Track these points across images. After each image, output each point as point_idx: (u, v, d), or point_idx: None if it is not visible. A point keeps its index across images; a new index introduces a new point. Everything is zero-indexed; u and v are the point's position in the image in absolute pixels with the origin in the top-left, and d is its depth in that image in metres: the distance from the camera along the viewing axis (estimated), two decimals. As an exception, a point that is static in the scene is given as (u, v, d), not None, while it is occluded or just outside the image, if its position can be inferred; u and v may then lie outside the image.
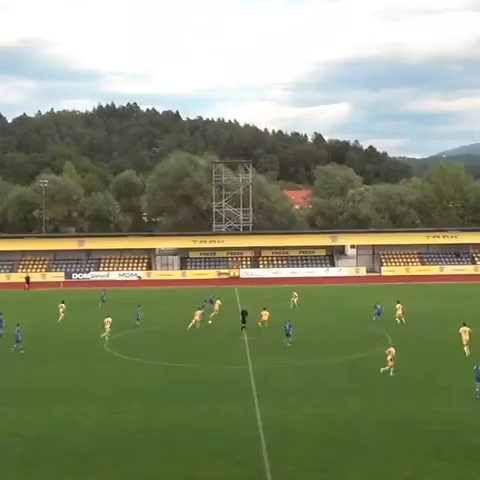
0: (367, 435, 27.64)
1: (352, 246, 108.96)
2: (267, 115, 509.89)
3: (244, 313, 51.83)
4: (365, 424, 28.98)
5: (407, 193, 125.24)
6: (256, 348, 45.03)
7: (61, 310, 56.44)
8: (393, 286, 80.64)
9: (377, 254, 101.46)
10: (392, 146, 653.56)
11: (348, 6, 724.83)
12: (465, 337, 42.18)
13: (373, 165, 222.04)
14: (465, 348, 41.92)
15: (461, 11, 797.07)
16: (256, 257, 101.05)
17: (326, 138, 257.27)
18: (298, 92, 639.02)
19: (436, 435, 27.47)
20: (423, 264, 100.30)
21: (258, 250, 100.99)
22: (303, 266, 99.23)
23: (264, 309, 52.37)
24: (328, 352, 43.93)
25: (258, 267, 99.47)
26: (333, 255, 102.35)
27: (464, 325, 42.93)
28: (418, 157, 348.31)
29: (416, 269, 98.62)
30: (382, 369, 37.43)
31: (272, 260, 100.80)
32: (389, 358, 37.30)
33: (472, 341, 41.65)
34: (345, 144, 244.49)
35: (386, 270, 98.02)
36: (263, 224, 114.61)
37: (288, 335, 45.74)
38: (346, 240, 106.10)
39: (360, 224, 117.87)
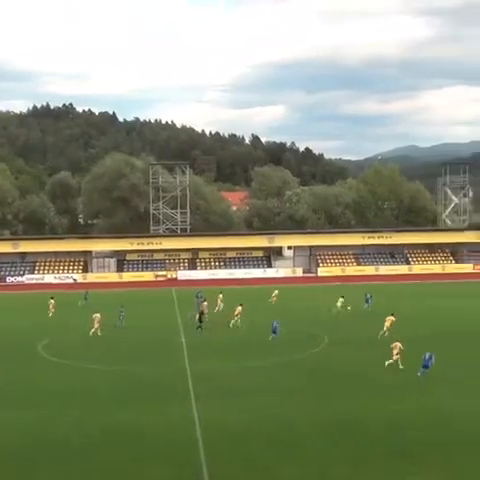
0: (307, 434, 27.87)
1: (289, 247, 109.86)
2: (204, 116, 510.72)
3: (201, 313, 52.17)
4: (305, 424, 29.22)
5: (343, 194, 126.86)
6: (194, 350, 45.04)
7: None
8: (329, 286, 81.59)
9: (314, 255, 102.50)
10: (328, 148, 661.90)
11: (286, 9, 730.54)
12: (386, 324, 47.49)
13: (310, 167, 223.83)
14: (382, 332, 47.11)
15: (397, 14, 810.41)
16: (193, 259, 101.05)
17: (263, 140, 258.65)
18: (235, 94, 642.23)
19: (376, 433, 27.85)
20: (359, 264, 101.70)
21: (195, 252, 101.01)
22: (240, 267, 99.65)
23: (240, 305, 53.15)
24: (267, 353, 44.14)
25: (195, 269, 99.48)
26: (270, 256, 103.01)
27: (392, 315, 48.30)
28: (354, 159, 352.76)
29: (352, 269, 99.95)
30: (387, 362, 38.49)
31: (209, 262, 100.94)
32: (395, 352, 38.56)
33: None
34: (282, 146, 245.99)
35: (322, 271, 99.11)
36: (200, 226, 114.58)
37: (274, 332, 47.31)
38: (283, 241, 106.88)
39: (297, 225, 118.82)
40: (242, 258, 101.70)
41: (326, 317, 57.37)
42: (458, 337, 48.03)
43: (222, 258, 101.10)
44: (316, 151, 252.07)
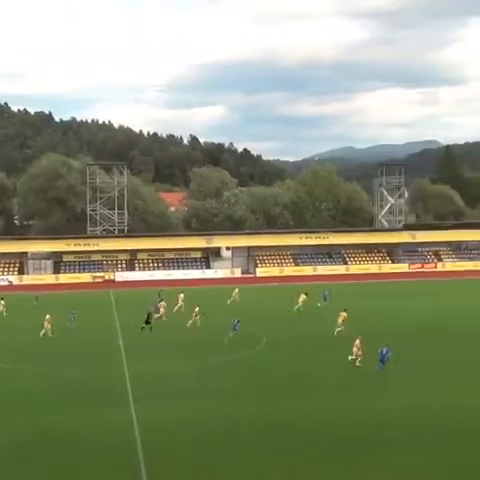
0: (246, 435, 28.00)
1: (227, 248, 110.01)
2: (142, 117, 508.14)
3: (149, 314, 52.23)
4: (244, 424, 29.35)
5: (281, 195, 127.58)
6: (132, 351, 44.82)
7: None
8: (267, 287, 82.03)
9: (252, 255, 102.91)
10: (266, 149, 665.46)
11: (223, 10, 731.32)
12: (338, 320, 49.27)
13: (248, 167, 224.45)
14: (337, 328, 48.71)
15: (332, 17, 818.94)
16: (131, 260, 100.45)
17: (201, 140, 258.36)
18: (173, 94, 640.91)
19: (312, 433, 28.09)
20: (297, 265, 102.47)
21: (133, 253, 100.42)
22: (179, 268, 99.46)
23: (197, 306, 53.52)
24: (209, 353, 44.19)
25: (134, 270, 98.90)
26: (209, 257, 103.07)
27: (344, 311, 49.95)
28: (292, 160, 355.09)
29: (290, 270, 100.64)
30: (350, 357, 39.37)
31: (148, 263, 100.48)
32: (355, 349, 39.33)
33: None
34: (220, 146, 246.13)
35: (261, 271, 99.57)
36: (138, 227, 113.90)
37: (235, 329, 48.35)
38: (221, 242, 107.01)
39: (235, 226, 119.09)
40: (180, 259, 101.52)
41: (271, 316, 57.80)
42: (396, 336, 48.79)
43: (160, 259, 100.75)
44: (254, 152, 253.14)
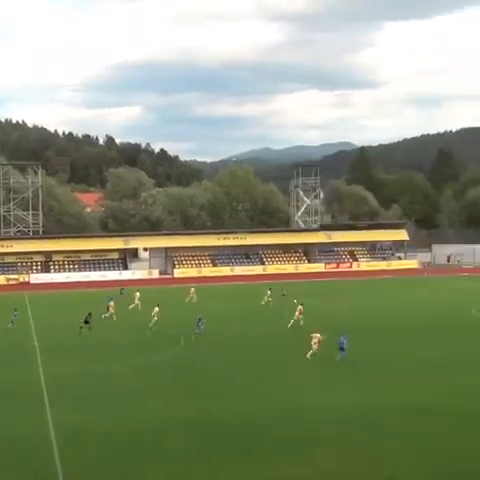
0: (166, 436, 27.80)
1: (145, 249, 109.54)
2: (57, 116, 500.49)
3: (89, 315, 51.99)
4: (164, 425, 29.19)
5: (198, 196, 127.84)
6: (49, 353, 44.12)
7: None
8: (186, 288, 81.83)
9: (170, 256, 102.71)
10: (184, 149, 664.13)
11: (143, 10, 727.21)
12: (296, 313, 51.28)
13: (165, 168, 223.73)
14: (294, 320, 50.77)
15: (251, 19, 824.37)
16: (47, 261, 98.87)
17: (118, 141, 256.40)
18: (89, 93, 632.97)
19: (237, 432, 28.17)
20: (215, 265, 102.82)
21: (49, 254, 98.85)
22: (96, 270, 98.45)
23: (157, 305, 53.43)
24: (125, 354, 43.88)
25: (49, 272, 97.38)
26: (126, 258, 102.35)
27: (301, 305, 52.02)
28: (209, 160, 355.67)
29: (208, 270, 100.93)
30: (309, 354, 39.77)
31: (63, 264, 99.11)
32: (313, 342, 39.73)
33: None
34: (137, 147, 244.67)
35: (178, 272, 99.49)
36: (53, 228, 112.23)
37: (199, 327, 49.31)
38: (139, 243, 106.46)
39: (153, 226, 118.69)
40: (97, 260, 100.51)
41: (190, 317, 57.76)
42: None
43: (76, 261, 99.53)
44: (171, 152, 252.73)
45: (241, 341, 47.78)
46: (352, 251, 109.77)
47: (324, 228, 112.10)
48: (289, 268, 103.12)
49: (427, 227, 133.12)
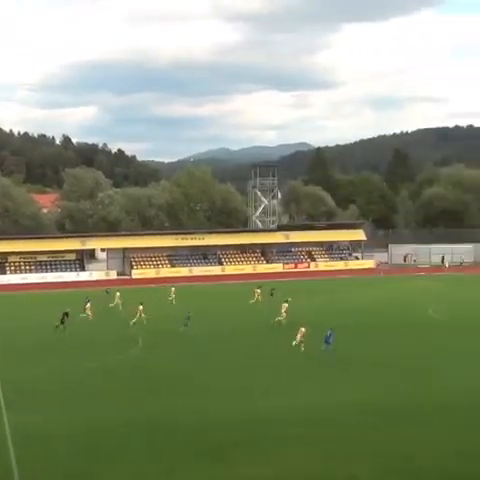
0: (122, 438, 27.79)
1: (102, 249, 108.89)
2: (12, 116, 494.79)
3: (65, 314, 52.58)
4: (119, 427, 29.18)
5: (156, 196, 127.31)
6: (4, 355, 43.74)
7: None
8: (144, 289, 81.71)
9: (127, 257, 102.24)
10: (141, 149, 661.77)
11: (98, 9, 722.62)
12: (282, 310, 53.54)
13: (122, 168, 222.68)
14: (279, 317, 53.12)
15: (207, 19, 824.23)
16: (2, 263, 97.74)
17: (74, 141, 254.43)
18: (45, 93, 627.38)
19: (193, 431, 28.20)
20: (173, 266, 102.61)
21: (4, 256, 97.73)
22: (52, 271, 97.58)
23: (140, 304, 54.77)
24: (82, 356, 43.70)
25: (5, 273, 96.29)
26: (83, 259, 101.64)
27: (286, 302, 54.51)
28: (167, 161, 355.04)
29: (166, 271, 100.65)
30: (294, 342, 42.04)
31: (19, 266, 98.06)
32: (299, 336, 42.37)
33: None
34: (94, 147, 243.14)
35: (136, 273, 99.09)
36: (9, 229, 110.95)
37: (186, 325, 50.98)
38: (96, 244, 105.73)
39: (110, 227, 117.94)
40: (54, 261, 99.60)
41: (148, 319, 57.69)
42: (279, 332, 49.91)
43: (33, 262, 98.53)
44: (128, 152, 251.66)
45: (207, 340, 47.88)
46: (310, 251, 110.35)
47: (282, 228, 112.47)
48: (247, 268, 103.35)
49: (384, 227, 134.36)
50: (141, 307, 54.56)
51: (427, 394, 33.55)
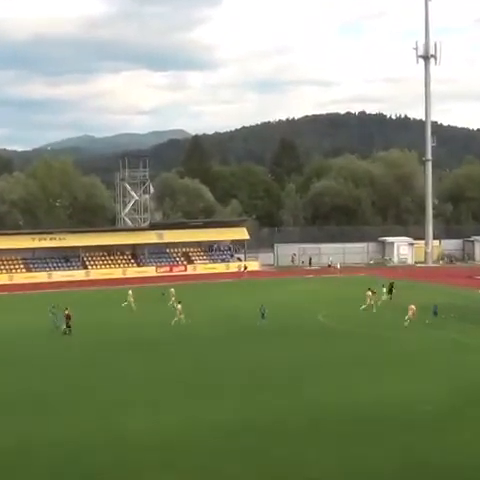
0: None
1: None
2: None
3: (69, 318, 55.77)
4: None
5: (8, 190, 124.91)
6: None
7: None
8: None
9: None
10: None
11: None
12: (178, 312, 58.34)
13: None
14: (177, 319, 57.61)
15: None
16: None
17: None
18: None
19: (57, 458, 28.33)
20: (29, 271, 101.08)
21: None
22: None
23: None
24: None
25: None
26: None
27: (179, 303, 59.47)
28: (20, 149, 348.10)
29: (21, 277, 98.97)
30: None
31: None
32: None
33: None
34: None
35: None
36: None
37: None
38: None
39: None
40: None
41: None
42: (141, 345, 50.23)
43: None
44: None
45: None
46: (187, 252, 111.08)
47: (155, 227, 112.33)
48: (116, 273, 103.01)
49: (269, 225, 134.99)
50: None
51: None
